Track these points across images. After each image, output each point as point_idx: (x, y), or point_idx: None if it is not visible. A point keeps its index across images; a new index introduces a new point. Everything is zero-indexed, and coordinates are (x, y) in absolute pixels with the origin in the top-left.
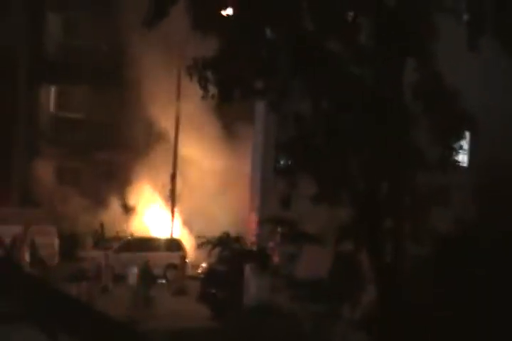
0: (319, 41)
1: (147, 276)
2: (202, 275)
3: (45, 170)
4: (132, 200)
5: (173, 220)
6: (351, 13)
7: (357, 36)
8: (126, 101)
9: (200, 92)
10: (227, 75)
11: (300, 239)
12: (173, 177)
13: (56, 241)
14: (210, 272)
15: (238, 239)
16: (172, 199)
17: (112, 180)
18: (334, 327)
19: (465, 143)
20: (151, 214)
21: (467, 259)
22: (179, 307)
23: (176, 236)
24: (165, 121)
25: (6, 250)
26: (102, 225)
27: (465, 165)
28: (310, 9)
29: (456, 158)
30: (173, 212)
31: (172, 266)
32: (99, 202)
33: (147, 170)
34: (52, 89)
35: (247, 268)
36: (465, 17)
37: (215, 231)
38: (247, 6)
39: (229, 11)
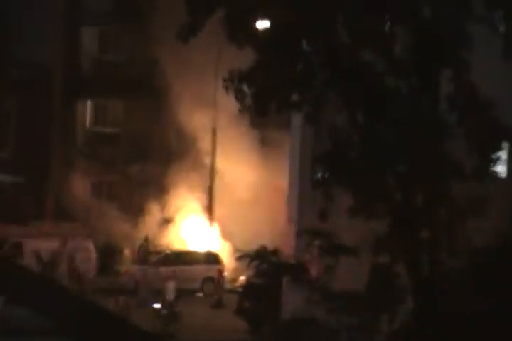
0: (354, 53)
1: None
2: (239, 289)
3: (81, 185)
4: (169, 213)
5: (210, 233)
6: (387, 24)
7: (392, 47)
8: (162, 114)
9: (236, 103)
10: (263, 88)
11: (337, 251)
12: (210, 189)
13: (93, 255)
14: (247, 285)
15: (275, 252)
16: (209, 212)
17: (149, 193)
18: (371, 339)
19: (503, 154)
20: (189, 227)
21: (505, 272)
22: (217, 320)
23: (213, 249)
24: (201, 133)
25: (43, 265)
26: (147, 239)
27: (504, 175)
28: (345, 21)
29: (494, 169)
30: (210, 224)
31: (210, 280)
32: (136, 215)
33: (184, 183)
34: (88, 104)
35: (285, 282)
36: (501, 27)
37: (253, 244)
38: (282, 19)
39: (264, 24)
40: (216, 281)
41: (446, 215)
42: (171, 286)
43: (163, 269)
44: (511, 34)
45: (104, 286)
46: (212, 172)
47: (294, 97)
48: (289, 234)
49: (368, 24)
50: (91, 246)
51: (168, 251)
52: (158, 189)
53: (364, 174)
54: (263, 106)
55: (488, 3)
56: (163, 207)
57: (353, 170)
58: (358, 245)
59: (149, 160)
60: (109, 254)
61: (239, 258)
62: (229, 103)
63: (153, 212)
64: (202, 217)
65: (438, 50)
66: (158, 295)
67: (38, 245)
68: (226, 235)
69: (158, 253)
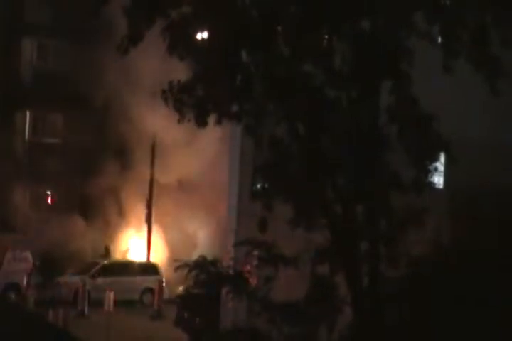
0: (294, 64)
1: None
2: (178, 300)
3: (21, 196)
4: (110, 223)
5: (150, 244)
6: (326, 37)
7: (332, 59)
8: (103, 126)
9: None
10: (202, 99)
11: (276, 261)
12: (150, 199)
13: (32, 267)
14: (186, 296)
15: (215, 262)
16: (149, 223)
17: (88, 205)
18: None
19: (440, 165)
20: (129, 238)
21: (443, 282)
22: (156, 332)
23: (153, 260)
24: (141, 146)
25: None
26: (107, 248)
27: (441, 187)
28: (285, 33)
29: (431, 180)
30: (149, 236)
31: (149, 290)
32: (77, 226)
33: (124, 194)
34: (28, 115)
35: (224, 292)
36: (440, 40)
37: (192, 254)
38: (221, 30)
39: (204, 35)
40: (155, 292)
41: (385, 226)
42: (109, 297)
43: (101, 280)
44: (449, 47)
45: (43, 297)
46: (151, 182)
47: (234, 108)
48: (228, 245)
49: (307, 36)
50: (29, 257)
51: (106, 262)
52: (100, 200)
53: (304, 185)
54: (203, 118)
55: (428, 17)
56: (104, 217)
57: (293, 181)
58: (298, 255)
59: (90, 173)
60: (49, 265)
61: (177, 268)
62: (171, 115)
63: (95, 223)
64: (142, 227)
65: (378, 63)
66: (97, 306)
67: None
68: (166, 246)
69: (96, 263)
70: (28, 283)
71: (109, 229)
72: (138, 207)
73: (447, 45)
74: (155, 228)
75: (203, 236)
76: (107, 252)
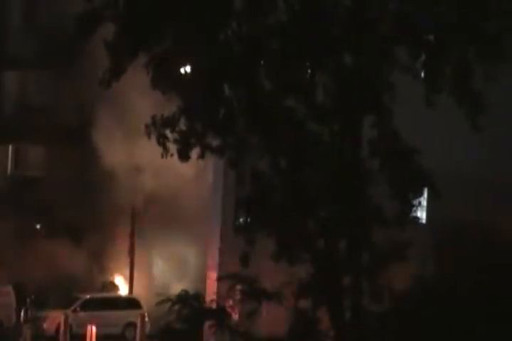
0: (276, 98)
1: None
2: (161, 334)
3: (3, 230)
4: (93, 258)
5: (132, 277)
6: (309, 71)
7: (314, 93)
8: (86, 158)
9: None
10: (185, 133)
11: (259, 295)
12: (132, 232)
13: (13, 301)
14: (168, 330)
15: (197, 296)
16: (131, 256)
17: (73, 237)
18: None
19: (423, 200)
20: (112, 272)
21: (427, 317)
22: None
23: (135, 294)
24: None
25: None
26: (113, 283)
27: (423, 221)
28: (268, 67)
29: (414, 215)
30: (132, 269)
31: (131, 325)
32: (59, 260)
33: (107, 226)
34: (10, 149)
35: (206, 326)
36: (422, 74)
37: (175, 288)
38: (204, 65)
39: (187, 69)
40: (138, 326)
41: (368, 260)
42: (91, 332)
43: (83, 314)
44: (432, 82)
45: (25, 332)
46: (133, 215)
47: (217, 142)
48: (211, 279)
49: (290, 71)
50: (11, 292)
51: (88, 296)
52: (82, 233)
53: (286, 218)
54: (185, 152)
55: (411, 51)
56: (86, 251)
57: (276, 214)
58: (281, 290)
59: (73, 205)
60: (31, 300)
61: (160, 303)
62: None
63: (77, 257)
64: (125, 260)
65: (360, 97)
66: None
67: None
68: (149, 280)
69: (79, 298)
70: (18, 317)
71: (95, 262)
72: (122, 240)
73: (430, 80)
74: (139, 260)
75: (190, 268)
76: (111, 286)
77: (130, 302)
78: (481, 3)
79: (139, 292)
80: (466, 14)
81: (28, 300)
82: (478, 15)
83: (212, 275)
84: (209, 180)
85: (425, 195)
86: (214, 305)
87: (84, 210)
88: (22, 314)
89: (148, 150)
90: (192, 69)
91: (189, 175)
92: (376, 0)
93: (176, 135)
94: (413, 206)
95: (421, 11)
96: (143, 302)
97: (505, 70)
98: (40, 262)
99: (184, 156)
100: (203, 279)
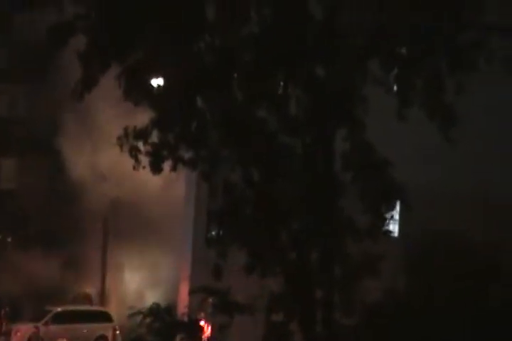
0: (250, 111)
1: None
2: None
3: None
4: (66, 270)
5: (103, 290)
6: (281, 83)
7: (286, 106)
8: (55, 171)
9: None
10: (157, 146)
11: (231, 309)
12: (105, 245)
13: None
14: None
15: (169, 309)
16: (103, 268)
17: (43, 250)
18: None
19: (396, 213)
20: (85, 285)
21: (399, 329)
22: None
23: (107, 306)
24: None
25: None
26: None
27: (396, 235)
28: (240, 79)
29: (386, 228)
30: (104, 282)
31: (102, 338)
32: (32, 273)
33: (80, 239)
34: None
35: (178, 340)
36: (395, 87)
37: (148, 300)
38: (177, 76)
39: (160, 81)
40: (109, 339)
41: (340, 273)
42: None
43: (54, 327)
44: (404, 95)
45: None
46: (105, 226)
47: (189, 155)
48: (183, 292)
49: (263, 82)
50: None
51: (59, 309)
52: (55, 244)
53: (258, 231)
54: (158, 164)
55: (383, 64)
56: (59, 263)
57: (248, 227)
58: (253, 303)
59: (45, 217)
60: (5, 312)
61: (132, 316)
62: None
63: (49, 268)
64: (97, 272)
65: (332, 109)
66: None
67: None
68: (120, 291)
69: (50, 311)
70: None
71: (68, 274)
72: (94, 251)
73: (402, 93)
74: (111, 272)
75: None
76: (84, 298)
77: (101, 315)
78: (453, 16)
79: (111, 304)
80: (439, 26)
81: (1, 312)
82: (450, 28)
83: (185, 288)
84: (181, 191)
85: (398, 208)
86: (186, 318)
87: (56, 222)
88: None
89: (119, 161)
90: (164, 80)
91: (161, 186)
92: (348, 12)
93: (148, 147)
94: (385, 219)
95: (393, 23)
96: (114, 315)
97: (477, 82)
98: (13, 274)
99: (156, 169)
100: (175, 291)
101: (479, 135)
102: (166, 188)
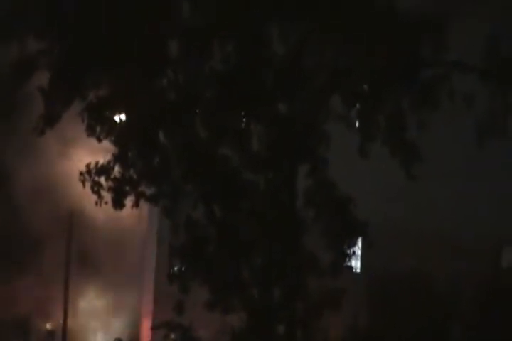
0: (212, 147)
1: None
2: None
3: None
4: (27, 305)
5: (66, 325)
6: (244, 120)
7: (249, 143)
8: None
9: None
10: (120, 181)
11: None
12: (67, 279)
13: None
14: None
15: None
16: (65, 303)
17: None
18: None
19: (358, 250)
20: (46, 320)
21: None
22: None
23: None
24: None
25: None
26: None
27: (358, 271)
28: (203, 115)
29: (349, 264)
30: (66, 317)
31: None
32: None
33: (39, 271)
34: None
35: None
36: (357, 124)
37: (111, 335)
38: (139, 112)
39: (122, 117)
40: None
41: (302, 309)
42: None
43: None
44: (366, 132)
45: None
46: (68, 265)
47: (152, 190)
48: (145, 327)
49: (225, 119)
50: None
51: None
52: (15, 280)
53: (221, 267)
54: (120, 200)
55: (345, 101)
56: (19, 297)
57: (210, 262)
58: (215, 338)
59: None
60: None
61: None
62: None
63: (9, 303)
64: (59, 306)
65: (294, 146)
66: None
67: None
68: (83, 328)
69: None
70: None
71: (28, 309)
72: (56, 285)
73: (364, 129)
74: (74, 306)
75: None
76: (46, 334)
77: None
78: (413, 54)
79: (73, 338)
80: (400, 65)
81: None
82: (411, 66)
83: (147, 323)
84: (144, 226)
85: (360, 244)
86: None
87: (17, 256)
88: None
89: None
90: (127, 116)
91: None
92: (311, 50)
93: (110, 183)
94: (347, 255)
95: (355, 62)
96: None
97: (439, 118)
98: None
99: (118, 204)
100: (138, 326)
101: (443, 172)
102: (131, 220)
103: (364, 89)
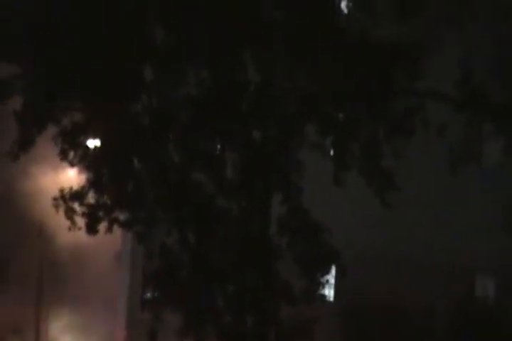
0: (185, 173)
1: None
2: None
3: None
4: None
5: None
6: (218, 147)
7: (223, 169)
8: None
9: None
10: (93, 207)
11: None
12: (38, 309)
13: None
14: None
15: None
16: (37, 332)
17: None
18: None
19: (331, 278)
20: None
21: None
22: None
23: None
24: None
25: None
26: None
27: (331, 299)
28: (177, 141)
29: (321, 292)
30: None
31: None
32: None
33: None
34: None
35: None
36: (332, 152)
37: None
38: (113, 138)
39: (96, 142)
40: None
41: (275, 337)
42: None
43: None
44: (341, 160)
45: None
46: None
47: (125, 216)
48: None
49: (199, 146)
50: None
51: None
52: None
53: (194, 294)
54: (94, 225)
55: (320, 129)
56: None
57: (183, 289)
58: None
59: None
60: None
61: None
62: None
63: None
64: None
65: (268, 174)
66: None
67: None
68: None
69: None
70: None
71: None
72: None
73: (339, 158)
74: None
75: None
76: None
77: None
78: (386, 83)
79: None
80: (373, 94)
81: None
82: (384, 95)
83: None
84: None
85: (333, 272)
86: None
87: None
88: None
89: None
90: (101, 141)
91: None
92: (285, 78)
93: (84, 208)
94: (320, 284)
95: (327, 90)
96: None
97: (414, 146)
98: None
99: (92, 230)
100: None
101: (418, 200)
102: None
103: (338, 117)
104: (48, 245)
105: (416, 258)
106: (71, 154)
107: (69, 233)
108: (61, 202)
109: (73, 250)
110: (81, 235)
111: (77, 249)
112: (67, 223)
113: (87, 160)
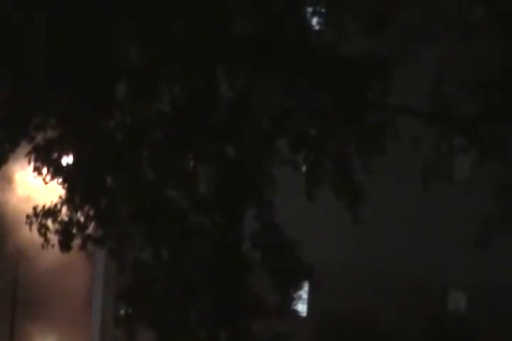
0: (158, 189)
1: None
2: None
3: None
4: None
5: None
6: (191, 162)
7: (196, 185)
8: None
9: None
10: (67, 224)
11: None
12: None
13: None
14: None
15: None
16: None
17: None
18: None
19: (304, 293)
20: None
21: None
22: None
23: None
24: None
25: None
26: None
27: (304, 314)
28: (150, 158)
29: (294, 308)
30: None
31: None
32: None
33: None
34: None
35: None
36: (303, 168)
37: None
38: (86, 155)
39: (69, 159)
40: None
41: None
42: None
43: None
44: (313, 176)
45: None
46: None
47: (98, 232)
48: None
49: (172, 161)
50: None
51: None
52: None
53: (167, 310)
54: (67, 242)
55: (292, 145)
56: None
57: (157, 306)
58: None
59: None
60: None
61: None
62: None
63: None
64: None
65: (241, 190)
66: None
67: None
68: None
69: None
70: None
71: None
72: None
73: (310, 173)
74: None
75: None
76: None
77: None
78: (357, 98)
79: None
80: (343, 109)
81: None
82: (355, 110)
83: None
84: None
85: (306, 287)
86: None
87: None
88: None
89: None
90: (74, 158)
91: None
92: (258, 93)
93: (57, 225)
94: (293, 299)
95: (298, 106)
96: None
97: (386, 161)
98: None
99: (65, 247)
100: None
101: (390, 215)
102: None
103: (310, 133)
104: (21, 265)
105: (388, 273)
106: (44, 171)
107: (41, 251)
108: (34, 219)
109: (46, 269)
110: (55, 253)
111: (51, 267)
112: (40, 241)
113: (60, 177)
